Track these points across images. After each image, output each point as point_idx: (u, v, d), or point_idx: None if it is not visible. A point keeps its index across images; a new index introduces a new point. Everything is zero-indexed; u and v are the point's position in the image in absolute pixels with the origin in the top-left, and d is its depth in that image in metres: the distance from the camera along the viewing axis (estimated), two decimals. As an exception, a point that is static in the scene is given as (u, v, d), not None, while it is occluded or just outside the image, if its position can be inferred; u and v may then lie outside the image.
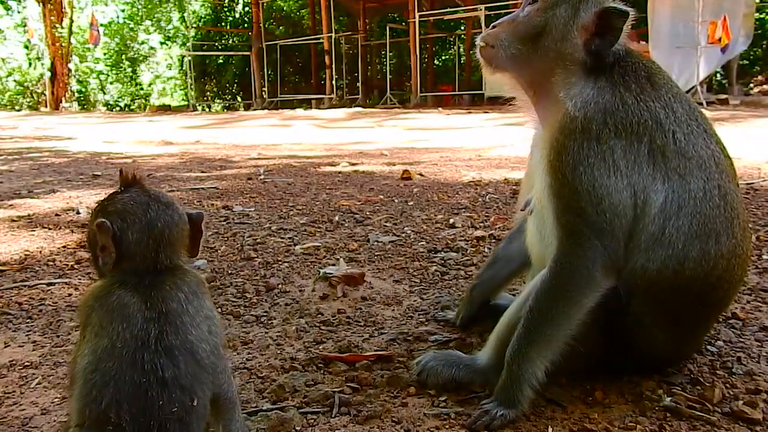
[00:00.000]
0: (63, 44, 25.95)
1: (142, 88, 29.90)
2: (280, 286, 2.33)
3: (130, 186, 1.22)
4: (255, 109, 21.95)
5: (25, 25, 28.78)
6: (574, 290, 1.38)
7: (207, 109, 25.54)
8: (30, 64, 29.03)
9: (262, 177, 5.27)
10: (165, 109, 24.40)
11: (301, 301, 2.17)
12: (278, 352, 1.79)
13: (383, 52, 25.07)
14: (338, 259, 2.55)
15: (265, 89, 23.61)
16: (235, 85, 28.60)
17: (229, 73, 27.92)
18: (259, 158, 7.03)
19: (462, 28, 23.85)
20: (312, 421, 1.41)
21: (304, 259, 2.66)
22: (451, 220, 3.25)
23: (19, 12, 30.37)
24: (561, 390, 1.46)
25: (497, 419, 1.35)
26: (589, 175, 1.38)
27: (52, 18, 25.99)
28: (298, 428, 1.39)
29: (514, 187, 4.25)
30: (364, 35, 23.04)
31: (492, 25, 1.58)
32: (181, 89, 30.92)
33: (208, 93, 28.92)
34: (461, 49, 23.70)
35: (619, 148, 1.40)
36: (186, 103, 27.34)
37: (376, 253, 2.71)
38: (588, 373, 1.50)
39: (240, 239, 3.04)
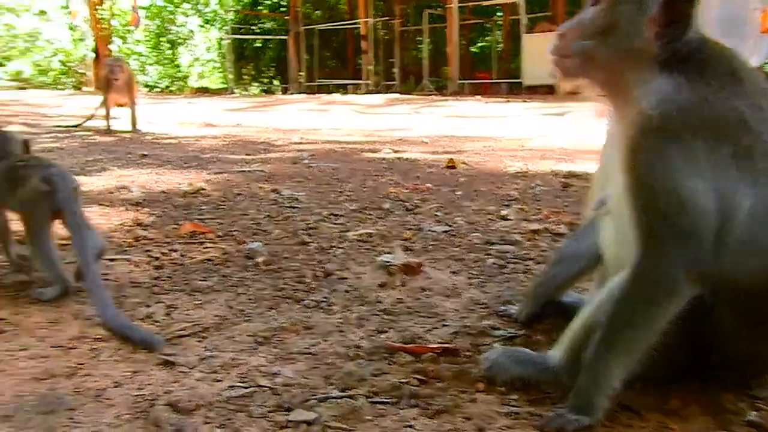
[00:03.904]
0: (105, 26, 26.21)
1: (180, 70, 30.04)
2: (337, 272, 2.32)
3: None
4: (292, 93, 22.00)
5: (68, 7, 29.14)
6: (657, 296, 1.33)
7: (244, 92, 25.65)
8: (74, 45, 29.44)
9: (306, 161, 5.27)
10: (204, 91, 24.58)
11: (360, 288, 2.16)
12: (341, 339, 1.78)
13: (419, 38, 24.92)
14: (394, 248, 2.53)
15: (302, 73, 23.64)
16: (272, 68, 28.68)
17: (266, 57, 28.01)
18: (300, 142, 7.04)
19: (500, 14, 23.58)
20: (382, 411, 1.40)
21: (358, 246, 2.65)
22: (503, 212, 3.21)
23: (63, -7, 30.76)
24: (636, 395, 1.42)
25: (571, 424, 1.32)
26: (667, 176, 1.32)
27: (94, 0, 26.27)
28: (368, 417, 1.37)
29: (562, 179, 4.19)
30: (401, 21, 22.89)
31: (557, 34, 1.51)
32: (219, 72, 31.04)
33: (246, 76, 29.04)
34: (499, 36, 23.44)
35: (700, 149, 1.33)
36: (224, 85, 27.50)
37: (430, 243, 2.69)
38: (664, 381, 1.45)
39: (292, 223, 3.04)
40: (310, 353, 1.69)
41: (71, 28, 29.27)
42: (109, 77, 7.69)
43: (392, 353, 1.67)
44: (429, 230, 2.88)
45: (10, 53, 31.56)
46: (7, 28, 30.10)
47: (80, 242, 2.00)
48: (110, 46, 26.04)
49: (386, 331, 1.82)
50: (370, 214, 3.24)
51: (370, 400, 1.43)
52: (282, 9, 27.02)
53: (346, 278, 2.27)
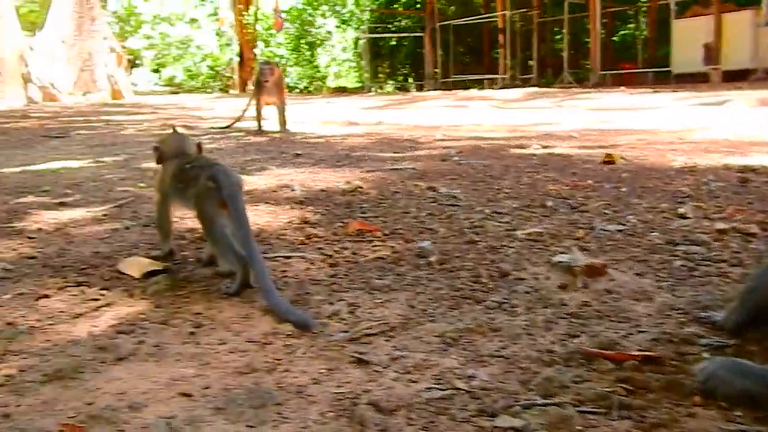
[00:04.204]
0: (249, 31, 27.49)
1: (319, 71, 31.00)
2: (513, 272, 2.26)
3: None
4: (427, 90, 22.07)
5: (216, 14, 30.86)
6: None
7: (379, 90, 26.05)
8: (221, 50, 31.13)
9: (455, 158, 5.23)
10: (341, 90, 25.19)
11: (541, 289, 2.09)
12: (531, 342, 1.72)
13: (557, 29, 24.26)
14: (570, 248, 2.43)
15: (437, 70, 23.66)
16: (407, 66, 28.94)
17: (401, 55, 28.30)
18: (444, 139, 7.01)
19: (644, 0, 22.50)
20: (593, 422, 1.33)
21: (529, 246, 2.58)
22: (680, 210, 3.03)
23: (211, 2, 32.61)
24: None
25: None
26: None
27: (240, 6, 27.62)
28: (579, 428, 1.31)
29: (738, 174, 3.90)
30: (539, 12, 22.36)
31: None
32: (355, 71, 31.76)
33: (381, 74, 29.50)
34: (644, 23, 22.36)
35: None
36: (360, 84, 28.06)
37: (607, 243, 2.57)
38: None
39: (456, 222, 3.01)
40: (501, 356, 1.65)
41: (219, 34, 30.95)
42: (260, 79, 8.02)
43: (590, 360, 1.59)
44: (602, 229, 2.75)
45: (164, 60, 33.83)
46: (162, 36, 32.26)
47: (244, 234, 2.10)
48: (254, 50, 27.28)
49: (578, 336, 1.74)
50: (534, 212, 3.16)
51: (577, 409, 1.37)
52: (417, 6, 27.17)
53: (523, 279, 2.21)
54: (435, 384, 1.51)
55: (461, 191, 3.75)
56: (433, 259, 2.42)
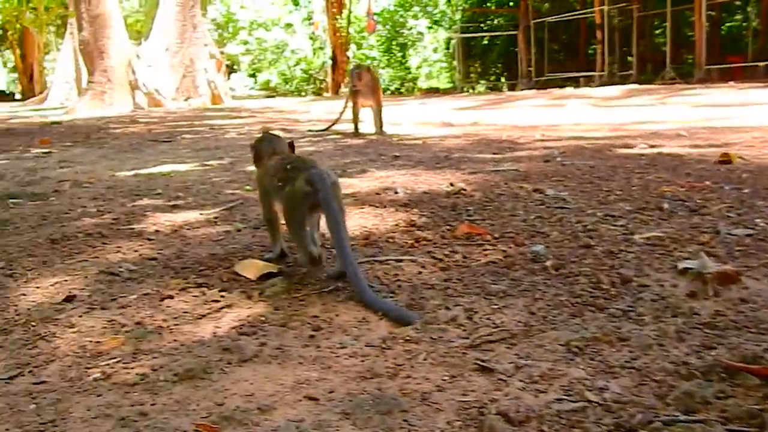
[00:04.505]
0: (342, 34, 27.90)
1: (410, 72, 31.10)
2: (635, 278, 2.17)
3: None
4: (520, 89, 21.73)
5: (310, 19, 31.49)
6: None
7: (471, 90, 25.86)
8: (314, 53, 31.74)
9: (559, 159, 5.10)
10: (433, 91, 25.15)
11: (668, 297, 1.99)
12: (664, 353, 1.64)
13: (657, 22, 23.38)
14: (697, 253, 2.31)
15: (531, 68, 23.26)
16: (500, 65, 28.60)
17: (493, 54, 28.00)
18: (544, 140, 6.85)
19: (755, -12, 21.38)
20: (743, 441, 1.25)
21: (650, 250, 2.47)
22: (815, 213, 2.83)
23: (305, 6, 33.31)
24: None
25: None
26: None
27: (334, 10, 28.07)
28: (730, 448, 1.23)
29: None
30: (638, 5, 21.58)
31: None
32: (446, 71, 31.67)
33: (473, 74, 29.28)
34: (753, 14, 21.23)
35: None
36: (452, 84, 27.94)
37: (735, 248, 2.42)
38: None
39: (568, 225, 2.92)
40: (632, 368, 1.57)
41: (312, 38, 31.56)
42: (353, 83, 8.10)
43: (732, 374, 1.50)
44: (728, 234, 2.61)
45: (260, 65, 34.79)
46: (259, 42, 33.19)
47: (338, 235, 2.16)
48: (347, 53, 27.65)
49: (714, 348, 1.65)
50: (650, 215, 3.02)
51: (726, 427, 1.28)
52: (510, 4, 26.81)
53: (647, 286, 2.11)
54: (565, 395, 1.46)
55: (569, 193, 3.64)
56: (548, 263, 2.36)
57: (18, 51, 35.26)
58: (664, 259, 2.36)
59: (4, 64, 45.93)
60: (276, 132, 2.80)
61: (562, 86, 20.37)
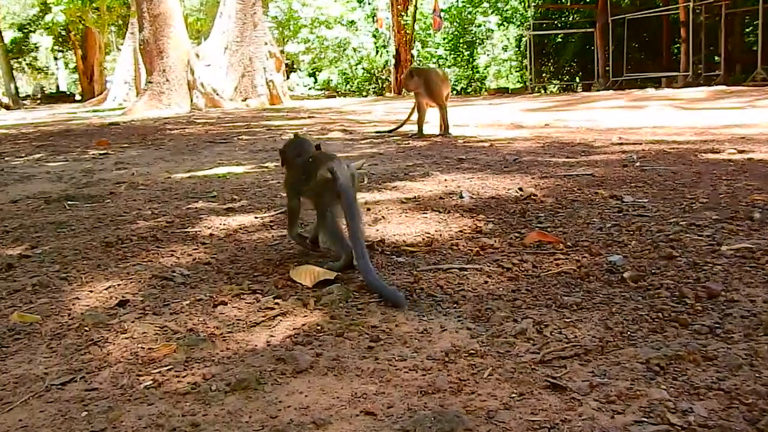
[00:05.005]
0: (407, 31, 27.99)
1: (478, 71, 30.95)
2: (723, 293, 2.08)
3: None
4: (596, 90, 21.35)
5: (374, 16, 31.69)
6: None
7: (543, 91, 25.55)
8: (377, 52, 31.93)
9: (638, 164, 4.97)
10: (502, 91, 24.94)
11: (761, 314, 1.90)
12: (755, 374, 1.56)
13: (748, 19, 22.65)
14: (794, 267, 2.21)
15: (608, 68, 22.82)
16: (574, 64, 28.18)
17: (568, 52, 27.62)
18: (621, 143, 6.70)
19: None
20: None
21: (739, 263, 2.37)
22: None
23: (369, 3, 33.55)
24: None
25: None
26: None
27: (399, 7, 28.19)
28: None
29: None
30: (727, 1, 20.93)
31: None
32: (516, 71, 31.41)
33: (545, 74, 28.93)
34: None
35: None
36: (522, 84, 27.67)
37: (839, 263, 2.31)
38: None
39: (648, 234, 2.83)
40: (720, 389, 1.50)
41: (375, 36, 31.76)
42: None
43: (834, 400, 1.42)
44: (830, 247, 2.48)
45: (320, 64, 35.21)
46: (320, 40, 33.61)
47: (354, 224, 2.38)
48: (411, 51, 27.71)
49: (814, 371, 1.56)
50: (739, 225, 2.91)
51: (826, 459, 1.21)
52: (587, 0, 26.39)
53: (736, 301, 2.02)
54: (644, 417, 1.40)
55: (649, 200, 3.54)
56: (626, 275, 2.29)
57: (80, 52, 36.69)
58: (754, 272, 2.26)
59: (66, 65, 47.86)
60: (305, 136, 3.04)
61: (642, 87, 19.91)
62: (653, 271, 2.34)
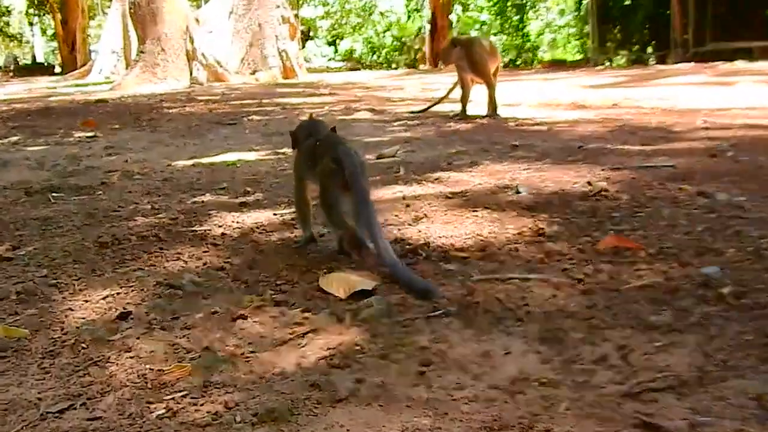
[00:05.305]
0: (445, -9, 27.95)
1: (529, 40, 30.80)
2: None
3: None
4: (673, 63, 21.14)
5: (405, -27, 31.74)
6: None
7: (608, 63, 25.37)
8: (408, 17, 31.91)
9: (730, 154, 4.91)
10: (559, 64, 24.81)
11: None
12: None
13: None
14: None
15: (688, 36, 22.56)
16: (646, 31, 27.89)
17: (638, 17, 27.29)
18: (707, 128, 6.62)
19: None
20: None
21: None
22: None
23: (400, -42, 33.60)
24: None
25: None
26: None
27: (435, -38, 28.15)
28: None
29: None
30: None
31: None
32: (575, 39, 31.21)
33: (609, 43, 28.69)
34: None
35: None
36: (583, 56, 27.50)
37: None
38: None
39: (749, 240, 2.80)
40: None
41: (407, -1, 31.72)
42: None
43: None
44: None
45: (342, 31, 35.27)
46: (342, 3, 33.65)
47: (367, 214, 2.59)
48: (449, 17, 27.64)
49: None
50: None
51: None
52: (662, -46, 26.12)
53: None
54: (760, 465, 1.38)
55: (747, 198, 3.50)
56: (725, 290, 2.26)
57: (59, 16, 37.06)
58: None
59: (43, 32, 48.39)
60: (323, 117, 3.18)
61: (729, 59, 19.66)
62: (758, 286, 2.31)
